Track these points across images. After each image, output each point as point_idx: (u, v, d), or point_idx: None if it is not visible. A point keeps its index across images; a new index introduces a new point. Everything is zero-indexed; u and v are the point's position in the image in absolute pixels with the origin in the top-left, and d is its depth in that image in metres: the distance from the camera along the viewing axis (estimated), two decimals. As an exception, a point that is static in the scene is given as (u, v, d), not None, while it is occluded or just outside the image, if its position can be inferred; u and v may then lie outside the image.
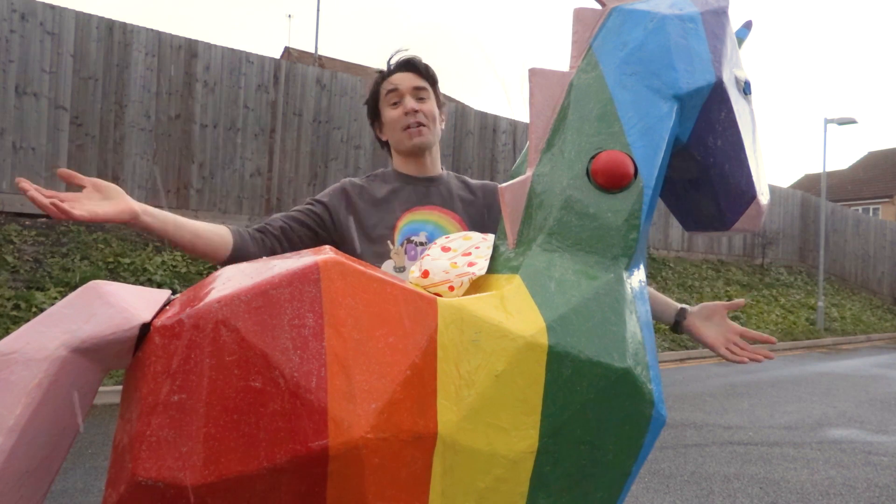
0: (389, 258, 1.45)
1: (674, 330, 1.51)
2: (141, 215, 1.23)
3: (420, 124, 1.51)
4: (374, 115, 1.60)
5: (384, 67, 1.56)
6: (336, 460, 0.88)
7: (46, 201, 1.07)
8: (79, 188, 1.18)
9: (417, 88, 1.52)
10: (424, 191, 1.54)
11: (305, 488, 0.89)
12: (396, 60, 1.55)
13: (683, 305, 1.52)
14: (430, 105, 1.54)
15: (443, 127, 1.60)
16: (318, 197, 1.53)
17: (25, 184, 1.08)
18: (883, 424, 5.81)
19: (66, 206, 1.09)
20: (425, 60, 1.56)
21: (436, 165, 1.60)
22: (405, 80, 1.52)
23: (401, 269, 1.45)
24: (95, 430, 4.40)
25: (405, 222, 1.49)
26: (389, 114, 1.53)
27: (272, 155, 8.96)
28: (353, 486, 0.90)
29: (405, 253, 1.46)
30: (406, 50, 1.57)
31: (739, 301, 1.50)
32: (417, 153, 1.54)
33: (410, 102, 1.51)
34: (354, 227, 1.49)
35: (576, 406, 1.04)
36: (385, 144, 1.61)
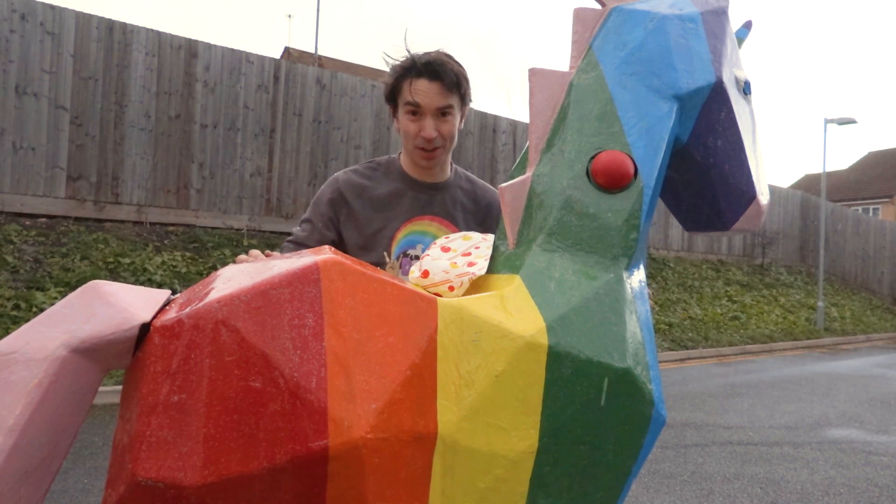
0: (384, 270, 1.43)
1: None
2: None
3: (435, 148, 1.42)
4: (392, 100, 1.45)
5: (401, 59, 1.41)
6: (336, 460, 0.88)
7: None
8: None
9: (442, 108, 1.39)
10: (427, 199, 1.49)
11: (305, 488, 0.89)
12: (426, 62, 1.37)
13: None
14: (451, 124, 1.42)
15: (461, 127, 1.48)
16: (319, 210, 1.45)
17: None
18: (883, 424, 5.80)
19: None
20: (457, 67, 1.40)
21: (444, 171, 1.54)
22: (430, 95, 1.37)
23: None
24: (95, 430, 4.40)
25: (404, 234, 1.46)
26: (405, 123, 1.42)
27: (272, 155, 8.96)
28: (353, 486, 0.90)
29: (400, 267, 1.44)
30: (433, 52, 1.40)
31: None
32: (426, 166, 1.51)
33: (429, 129, 1.38)
34: (350, 228, 1.47)
35: (576, 406, 1.04)
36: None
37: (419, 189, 1.51)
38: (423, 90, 1.37)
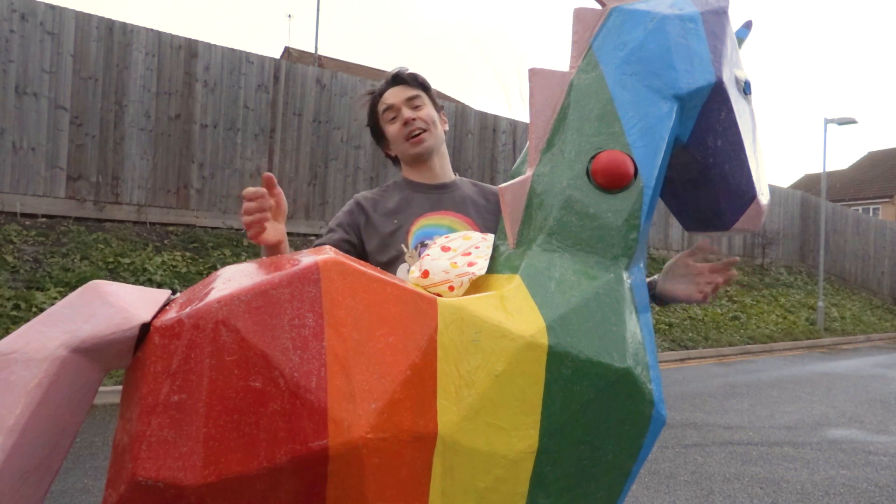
0: (404, 261, 1.46)
1: (656, 304, 1.51)
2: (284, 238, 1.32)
3: (420, 130, 1.55)
4: (378, 135, 1.64)
5: (387, 72, 1.60)
6: (336, 460, 0.88)
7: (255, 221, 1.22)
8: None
9: (410, 98, 1.56)
10: (437, 197, 1.56)
11: (305, 488, 0.89)
12: (384, 81, 1.60)
13: (652, 278, 1.51)
14: (427, 110, 1.57)
15: (446, 129, 1.63)
16: (339, 222, 1.56)
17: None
18: (883, 424, 5.80)
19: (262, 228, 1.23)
20: (413, 70, 1.61)
21: (446, 171, 1.62)
22: (397, 93, 1.57)
23: None
24: (95, 430, 4.40)
25: (418, 227, 1.51)
26: (390, 130, 1.57)
27: (272, 155, 8.96)
28: (353, 486, 0.90)
29: (419, 256, 1.46)
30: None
31: (702, 242, 1.43)
32: (424, 159, 1.57)
33: (407, 113, 1.55)
34: (369, 233, 1.52)
35: (576, 406, 1.04)
36: (395, 160, 1.65)
37: (427, 190, 1.57)
38: (390, 94, 1.58)
